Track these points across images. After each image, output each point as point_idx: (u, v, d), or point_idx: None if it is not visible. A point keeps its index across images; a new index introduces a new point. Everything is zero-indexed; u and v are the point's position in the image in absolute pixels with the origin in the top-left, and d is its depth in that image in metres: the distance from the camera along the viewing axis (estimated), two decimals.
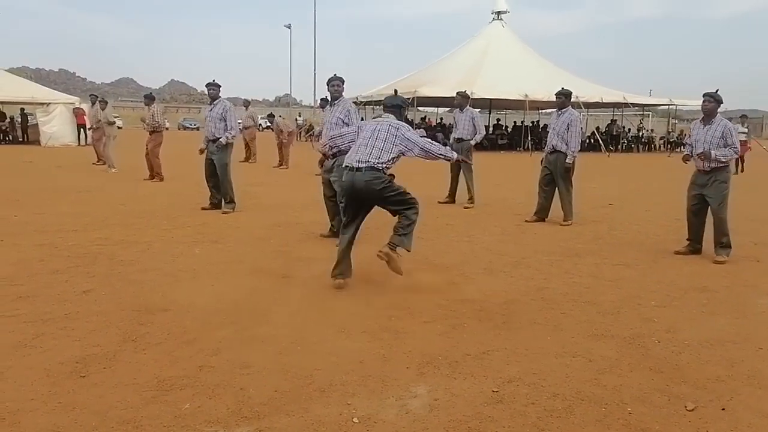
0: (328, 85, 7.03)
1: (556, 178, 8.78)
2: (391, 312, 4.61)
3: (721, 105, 6.68)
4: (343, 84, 7.07)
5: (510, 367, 3.67)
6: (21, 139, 28.18)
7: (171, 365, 3.56)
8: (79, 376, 3.38)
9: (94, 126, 16.23)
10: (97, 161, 16.35)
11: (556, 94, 8.94)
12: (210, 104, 9.30)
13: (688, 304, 5.07)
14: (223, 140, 9.04)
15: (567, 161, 8.63)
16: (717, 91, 6.60)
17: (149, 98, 12.90)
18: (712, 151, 6.47)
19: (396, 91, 5.34)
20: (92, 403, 3.07)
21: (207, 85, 9.33)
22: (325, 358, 3.73)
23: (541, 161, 9.12)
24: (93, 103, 16.24)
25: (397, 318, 4.48)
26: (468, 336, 4.17)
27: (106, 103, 15.67)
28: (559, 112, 8.83)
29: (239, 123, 19.06)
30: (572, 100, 9.23)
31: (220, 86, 9.29)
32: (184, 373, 3.46)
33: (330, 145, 5.84)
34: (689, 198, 6.90)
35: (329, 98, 7.26)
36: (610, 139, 33.13)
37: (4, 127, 28.20)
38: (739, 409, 3.21)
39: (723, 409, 3.21)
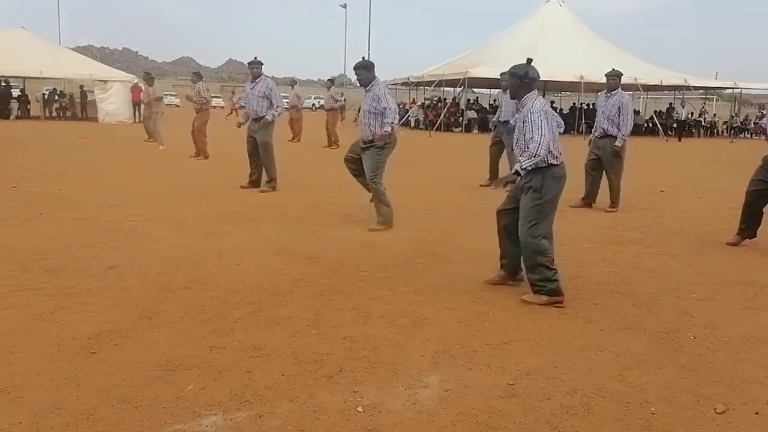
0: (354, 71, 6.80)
1: (605, 163, 8.46)
2: (414, 297, 4.48)
3: None
4: (366, 70, 6.68)
5: (530, 359, 3.50)
6: (80, 116, 28.98)
7: (182, 345, 3.52)
8: (89, 353, 3.37)
9: (144, 102, 16.56)
10: (148, 138, 16.62)
11: (607, 75, 8.55)
12: (252, 82, 9.27)
13: (733, 298, 4.78)
14: (269, 117, 8.99)
15: (617, 144, 8.28)
16: None
17: (197, 75, 13.02)
18: None
19: (530, 60, 4.63)
20: (97, 381, 3.05)
21: (249, 64, 9.33)
22: (339, 343, 3.63)
23: (589, 143, 8.80)
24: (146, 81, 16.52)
25: (419, 303, 4.35)
26: (491, 325, 4.01)
27: (153, 79, 15.85)
28: (608, 94, 8.47)
29: (286, 101, 19.22)
30: (630, 82, 8.87)
31: (262, 64, 9.28)
32: (193, 353, 3.42)
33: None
34: (752, 182, 6.41)
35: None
36: (678, 125, 31.31)
37: (63, 104, 29.04)
38: None
39: (756, 413, 2.97)
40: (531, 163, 4.29)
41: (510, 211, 4.65)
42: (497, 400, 3.01)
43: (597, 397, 3.07)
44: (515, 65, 4.53)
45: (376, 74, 6.81)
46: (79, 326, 3.72)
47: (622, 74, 8.54)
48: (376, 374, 3.24)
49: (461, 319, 4.09)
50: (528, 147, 4.31)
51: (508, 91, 10.37)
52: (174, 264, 5.10)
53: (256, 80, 9.21)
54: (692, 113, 34.61)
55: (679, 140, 28.19)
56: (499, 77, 10.91)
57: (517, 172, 4.34)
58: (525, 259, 4.56)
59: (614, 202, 8.44)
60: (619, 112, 8.25)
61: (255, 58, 9.28)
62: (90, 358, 3.31)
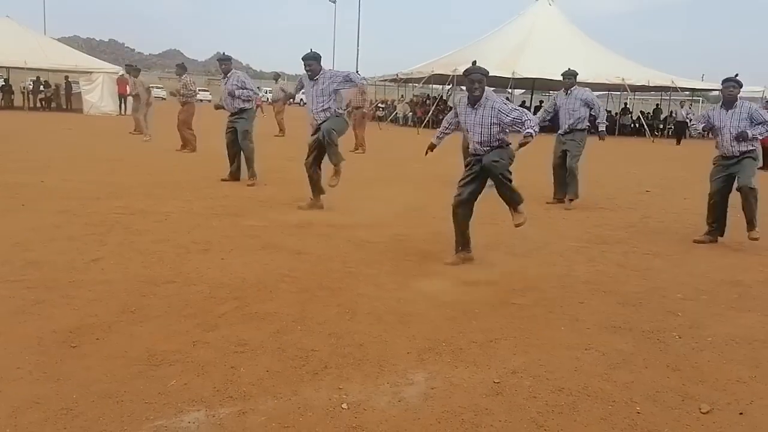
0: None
1: (569, 153, 8.49)
2: (400, 294, 4.46)
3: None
4: (317, 61, 7.08)
5: (516, 357, 3.49)
6: (65, 107, 28.69)
7: (165, 339, 3.48)
8: (70, 346, 3.31)
9: (132, 94, 16.42)
10: (134, 130, 16.48)
11: (564, 75, 8.72)
12: (224, 78, 9.30)
13: (718, 298, 4.80)
14: (236, 93, 9.00)
15: (600, 130, 8.69)
16: (737, 75, 6.42)
17: (181, 68, 12.90)
18: (748, 131, 6.25)
19: (474, 62, 5.11)
20: (78, 375, 3.00)
21: (218, 60, 9.53)
22: (324, 339, 3.60)
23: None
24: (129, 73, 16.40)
25: (405, 300, 4.33)
26: (477, 322, 3.99)
27: (139, 70, 15.74)
28: (567, 93, 8.56)
29: (270, 95, 19.02)
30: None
31: (231, 59, 9.40)
32: (176, 348, 3.37)
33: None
34: (714, 181, 6.65)
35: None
36: (675, 126, 30.50)
37: (48, 94, 28.73)
38: (759, 414, 2.98)
39: (741, 414, 2.97)
40: (537, 126, 4.89)
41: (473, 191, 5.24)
42: (483, 398, 2.99)
43: (583, 396, 3.06)
44: (479, 67, 5.03)
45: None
46: (60, 319, 3.67)
47: (577, 73, 8.71)
48: (362, 371, 3.22)
49: (448, 316, 4.07)
50: (525, 120, 4.89)
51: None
52: (158, 258, 5.04)
53: (228, 75, 9.25)
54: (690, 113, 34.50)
55: (678, 143, 26.76)
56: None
57: (531, 134, 4.80)
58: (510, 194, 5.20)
59: (572, 193, 8.45)
60: (586, 105, 8.45)
61: (223, 53, 9.40)
62: (71, 352, 3.26)
